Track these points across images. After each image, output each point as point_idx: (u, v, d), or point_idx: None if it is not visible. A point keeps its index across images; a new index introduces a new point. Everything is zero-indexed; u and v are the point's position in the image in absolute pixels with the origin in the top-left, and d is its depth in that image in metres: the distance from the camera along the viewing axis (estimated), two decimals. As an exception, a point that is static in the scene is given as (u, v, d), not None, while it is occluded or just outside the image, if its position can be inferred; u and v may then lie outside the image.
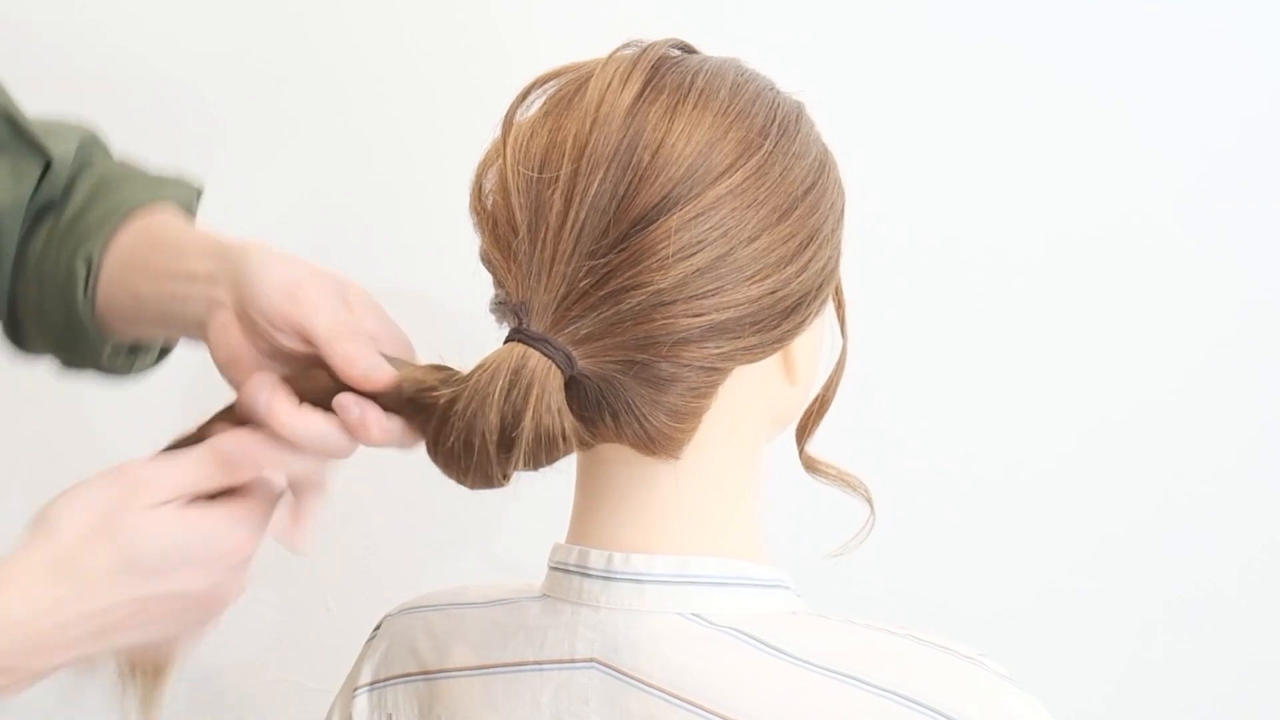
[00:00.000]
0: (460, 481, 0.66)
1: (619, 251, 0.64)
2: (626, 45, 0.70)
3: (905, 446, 1.19)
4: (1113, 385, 1.18)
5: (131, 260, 0.81)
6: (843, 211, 0.72)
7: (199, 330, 0.75)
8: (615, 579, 0.69)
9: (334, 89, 1.19)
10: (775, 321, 0.67)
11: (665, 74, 0.67)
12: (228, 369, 0.72)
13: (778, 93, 0.71)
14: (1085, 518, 1.19)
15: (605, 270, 0.64)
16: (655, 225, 0.64)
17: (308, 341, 0.68)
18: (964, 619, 1.15)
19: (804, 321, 0.69)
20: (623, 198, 0.64)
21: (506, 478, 0.66)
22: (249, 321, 0.71)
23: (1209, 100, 1.14)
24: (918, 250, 1.17)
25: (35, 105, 1.17)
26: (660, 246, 0.63)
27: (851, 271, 0.75)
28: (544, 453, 0.64)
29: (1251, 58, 1.14)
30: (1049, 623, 1.20)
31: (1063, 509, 1.19)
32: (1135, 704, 1.21)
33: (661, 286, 0.63)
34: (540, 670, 0.71)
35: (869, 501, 0.78)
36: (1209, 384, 1.17)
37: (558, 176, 0.65)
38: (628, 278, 0.64)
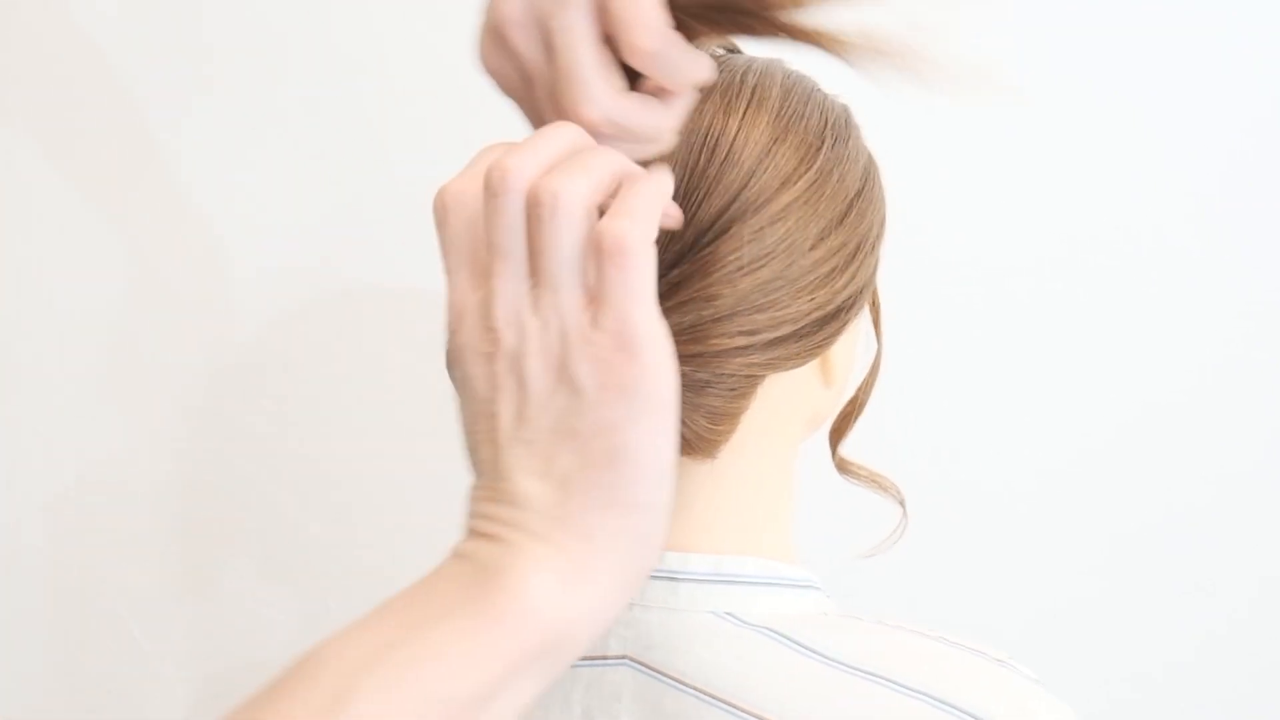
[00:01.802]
0: None
1: (690, 262, 0.63)
2: None
3: (918, 449, 1.19)
4: (1128, 389, 1.18)
5: None
6: (885, 217, 0.72)
7: None
8: (650, 576, 0.69)
9: (351, 86, 1.18)
10: (817, 328, 0.67)
11: (715, 74, 0.67)
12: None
13: (825, 94, 0.70)
14: (1103, 522, 1.19)
15: (676, 280, 0.63)
16: (727, 235, 0.63)
17: None
18: (978, 621, 1.15)
19: (844, 327, 0.69)
20: (685, 197, 0.63)
21: None
22: None
23: (1216, 103, 1.15)
24: (931, 255, 1.17)
25: (40, 102, 1.16)
26: (731, 258, 0.63)
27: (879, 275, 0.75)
28: None
29: (1258, 59, 1.15)
30: (1062, 625, 1.21)
31: (1079, 512, 1.19)
32: (1136, 704, 1.22)
33: (727, 301, 0.63)
34: (572, 667, 0.70)
35: (901, 504, 0.78)
36: (1223, 388, 1.18)
37: None
38: (697, 289, 0.63)
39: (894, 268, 1.15)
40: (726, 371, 0.65)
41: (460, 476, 1.21)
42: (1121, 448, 1.19)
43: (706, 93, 0.65)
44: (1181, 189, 1.16)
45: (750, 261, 0.63)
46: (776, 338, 0.65)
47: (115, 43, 1.18)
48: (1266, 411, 1.18)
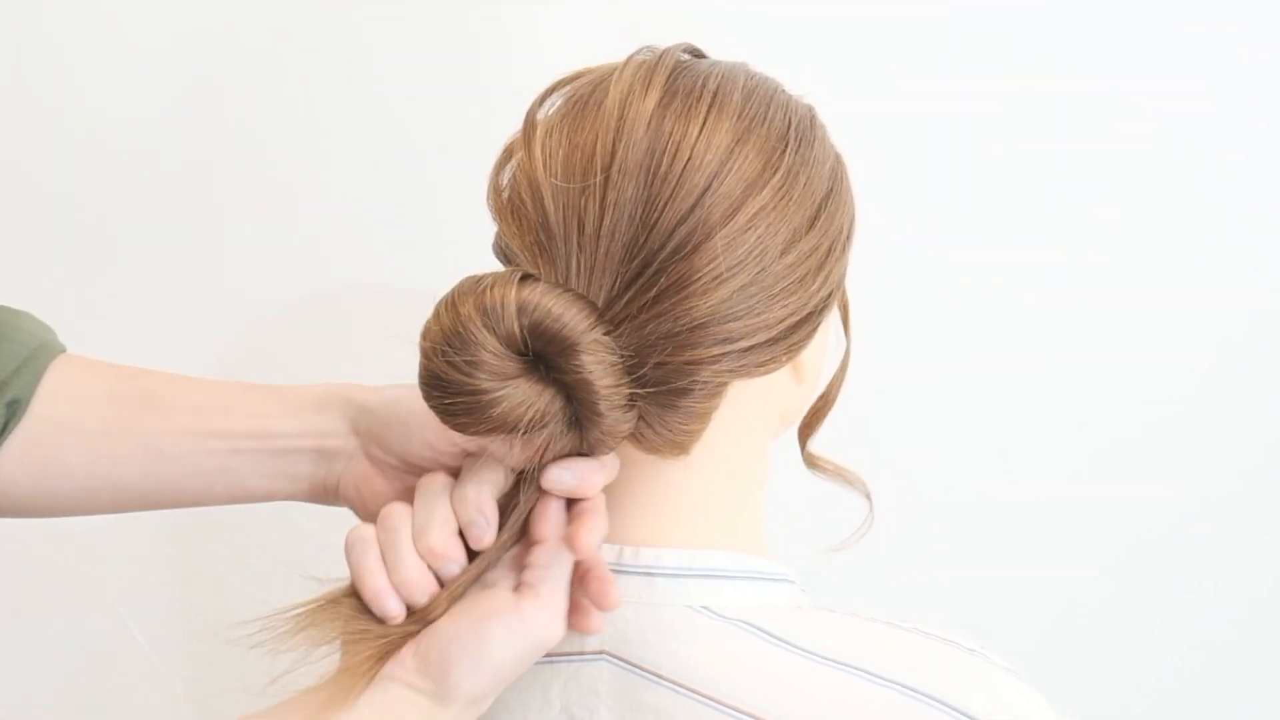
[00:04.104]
0: None
1: (665, 276, 0.64)
2: (641, 50, 0.70)
3: (913, 448, 1.18)
4: (1129, 391, 1.18)
5: (103, 420, 0.76)
6: (854, 217, 0.72)
7: (300, 494, 0.78)
8: (625, 572, 0.70)
9: (341, 87, 1.18)
10: (790, 333, 0.68)
11: (677, 79, 0.67)
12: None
13: (789, 96, 0.71)
14: (1104, 525, 1.19)
15: (652, 293, 0.64)
16: (701, 248, 0.64)
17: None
18: (975, 622, 1.15)
19: (816, 329, 0.70)
20: (648, 203, 0.64)
21: None
22: (388, 459, 0.76)
23: (1219, 106, 1.14)
24: (925, 251, 1.16)
25: (41, 101, 1.17)
26: (707, 269, 0.64)
27: (856, 271, 0.75)
28: None
29: (1258, 60, 1.14)
30: (1060, 626, 1.20)
31: (1077, 516, 1.19)
32: (1137, 711, 1.22)
33: (702, 311, 0.64)
34: (550, 663, 0.71)
35: (867, 496, 0.78)
36: (1224, 390, 1.17)
37: (590, 186, 0.65)
38: (673, 301, 0.64)
39: (890, 266, 1.16)
40: (701, 378, 0.66)
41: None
42: (1121, 450, 1.18)
43: (669, 97, 0.66)
44: (1179, 190, 1.15)
45: (725, 270, 0.64)
46: (753, 345, 0.66)
47: (111, 43, 1.19)
48: (1268, 414, 1.17)
